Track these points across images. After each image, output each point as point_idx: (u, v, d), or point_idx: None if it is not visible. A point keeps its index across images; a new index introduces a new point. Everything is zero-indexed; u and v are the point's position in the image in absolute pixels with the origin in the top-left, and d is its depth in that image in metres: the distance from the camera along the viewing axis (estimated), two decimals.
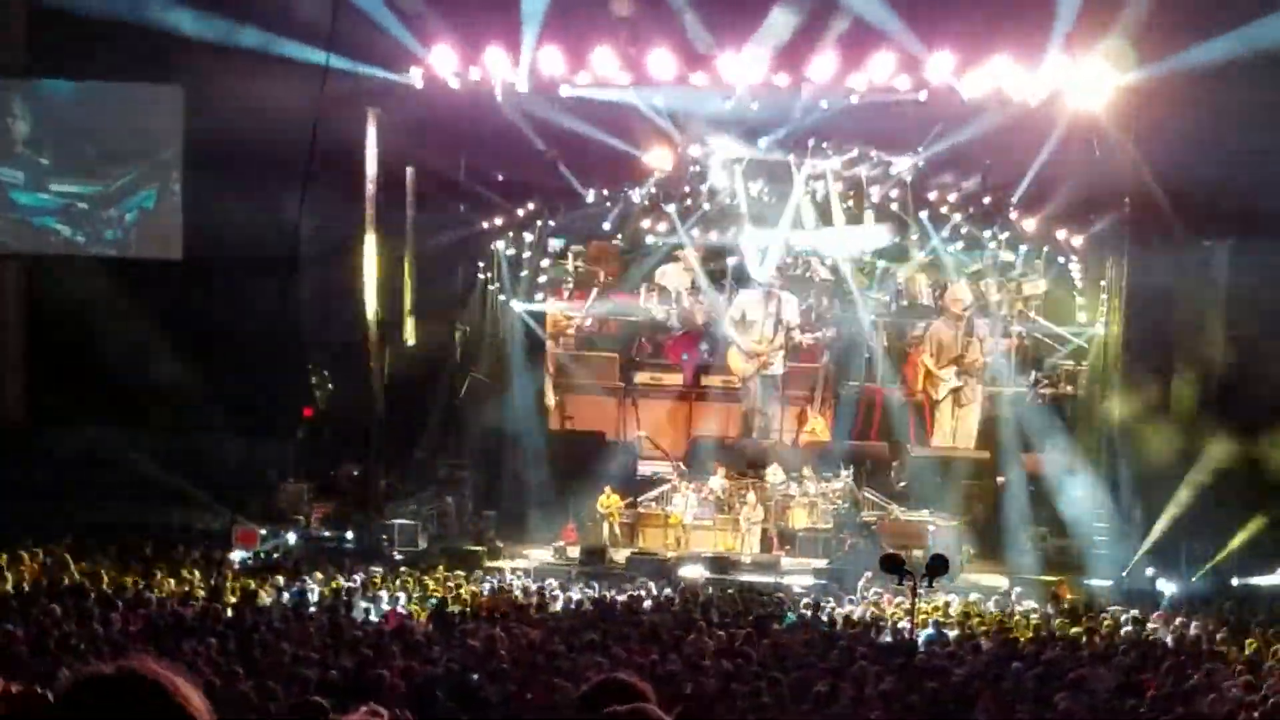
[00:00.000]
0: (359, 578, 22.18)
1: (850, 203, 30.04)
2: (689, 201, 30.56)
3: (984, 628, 19.40)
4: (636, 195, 30.43)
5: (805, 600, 22.07)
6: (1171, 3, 23.85)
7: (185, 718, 2.57)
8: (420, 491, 28.52)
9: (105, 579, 19.96)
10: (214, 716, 2.62)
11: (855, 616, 20.44)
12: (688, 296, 32.41)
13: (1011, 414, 29.96)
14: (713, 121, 28.07)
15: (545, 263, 31.37)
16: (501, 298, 30.97)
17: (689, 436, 31.83)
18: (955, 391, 30.47)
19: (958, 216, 29.74)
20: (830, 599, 22.67)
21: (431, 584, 22.14)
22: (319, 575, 22.05)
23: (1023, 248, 30.58)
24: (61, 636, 14.41)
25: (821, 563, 26.08)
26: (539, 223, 30.82)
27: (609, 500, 27.30)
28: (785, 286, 31.10)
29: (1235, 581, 24.50)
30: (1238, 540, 24.84)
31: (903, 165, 29.18)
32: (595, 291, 31.81)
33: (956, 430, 30.42)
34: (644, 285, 32.41)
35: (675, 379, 32.83)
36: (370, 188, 27.81)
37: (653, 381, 32.84)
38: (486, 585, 22.79)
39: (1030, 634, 19.06)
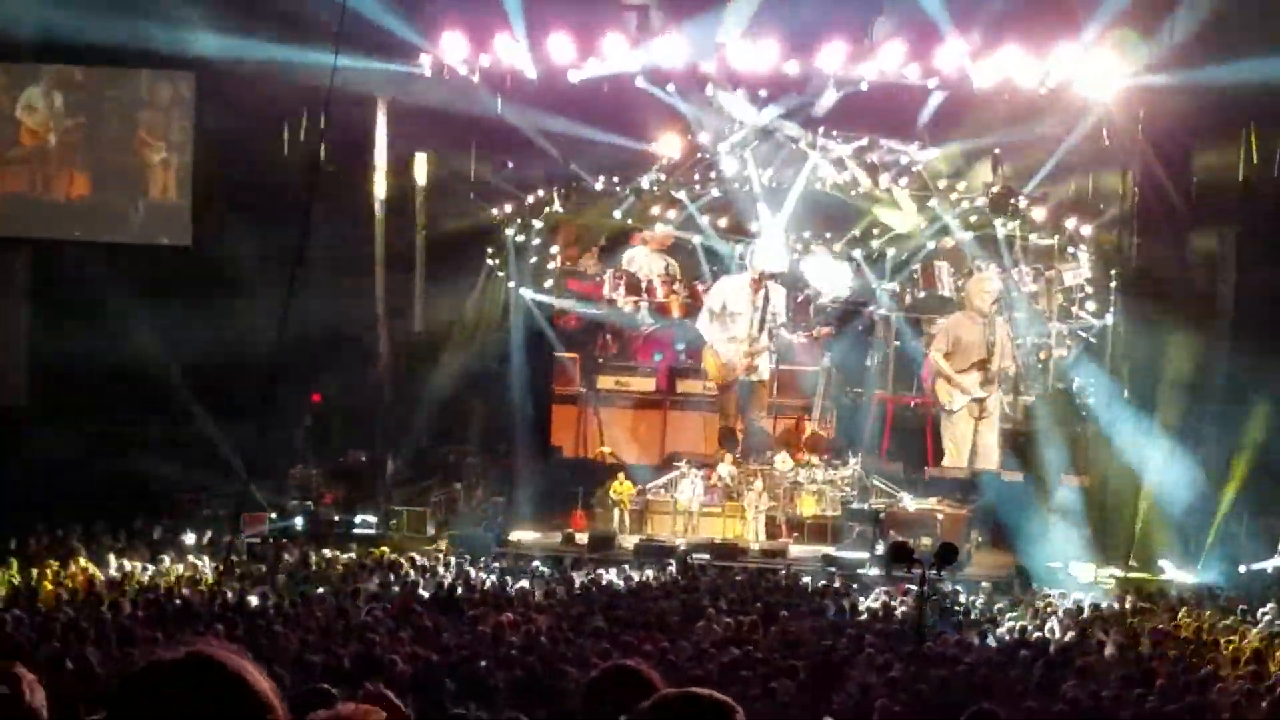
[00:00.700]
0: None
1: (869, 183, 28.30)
2: (699, 187, 29.37)
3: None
4: (646, 182, 29.11)
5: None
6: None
7: (257, 702, 2.55)
8: (428, 478, 28.52)
9: (112, 565, 20.03)
10: (282, 701, 2.60)
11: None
12: (662, 285, 29.69)
13: (1048, 427, 27.21)
14: (720, 85, 27.31)
15: (554, 249, 30.98)
16: (511, 285, 30.76)
17: (662, 453, 28.78)
18: (977, 403, 27.57)
19: (966, 204, 28.96)
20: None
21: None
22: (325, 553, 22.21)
23: (1033, 235, 29.02)
24: (68, 622, 14.44)
25: (831, 549, 25.95)
26: (547, 209, 30.38)
27: (622, 487, 27.19)
28: (775, 274, 28.12)
29: (1242, 569, 24.46)
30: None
31: (912, 152, 28.18)
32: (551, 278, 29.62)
33: (977, 448, 27.74)
34: (609, 273, 29.69)
35: (646, 384, 29.40)
36: (380, 174, 27.80)
37: (619, 386, 29.36)
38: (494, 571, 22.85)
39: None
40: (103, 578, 19.17)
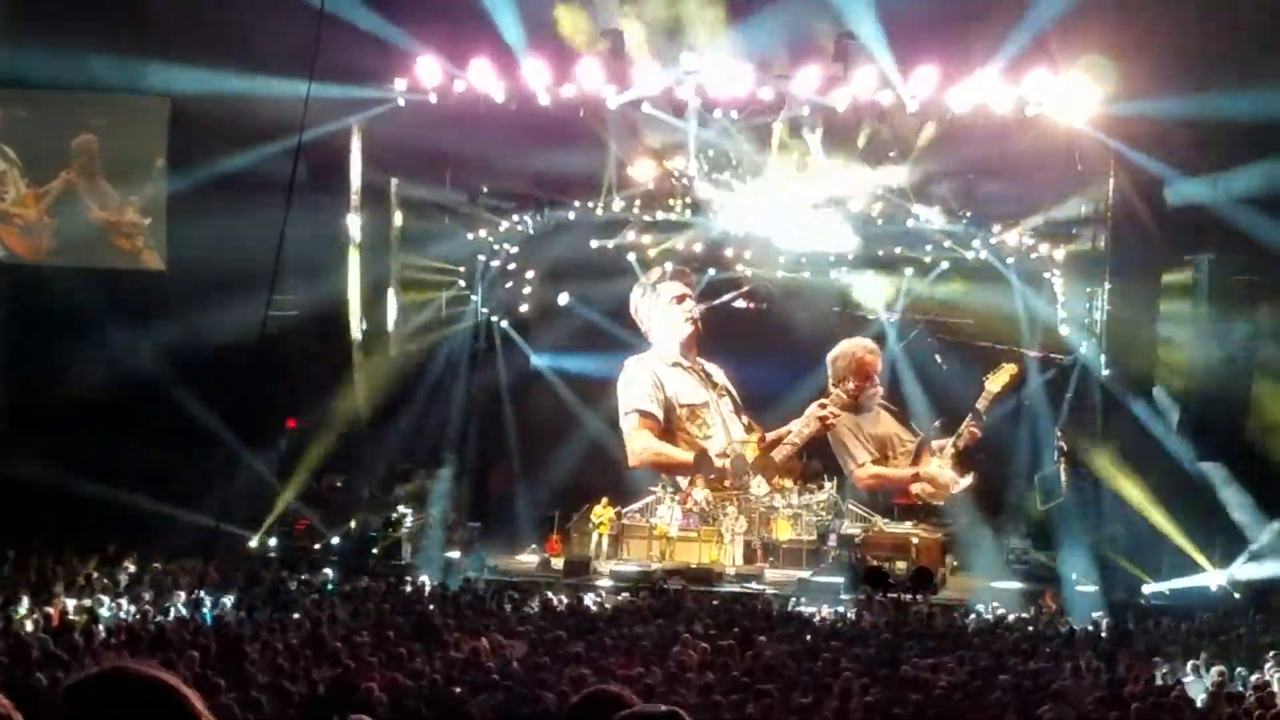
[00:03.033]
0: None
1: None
2: (673, 213, 29.21)
3: None
4: (618, 206, 28.87)
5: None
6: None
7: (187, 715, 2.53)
8: (404, 502, 28.42)
9: (87, 589, 19.87)
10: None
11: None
12: None
13: None
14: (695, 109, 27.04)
15: (530, 274, 30.97)
16: (484, 311, 30.73)
17: None
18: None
19: (941, 223, 28.94)
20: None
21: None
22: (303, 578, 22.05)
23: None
24: (44, 654, 14.31)
25: (801, 574, 25.91)
26: (519, 231, 30.29)
27: (604, 512, 27.08)
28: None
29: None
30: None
31: (886, 177, 27.92)
32: None
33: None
34: None
35: None
36: (354, 199, 27.76)
37: None
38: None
39: None
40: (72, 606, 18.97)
